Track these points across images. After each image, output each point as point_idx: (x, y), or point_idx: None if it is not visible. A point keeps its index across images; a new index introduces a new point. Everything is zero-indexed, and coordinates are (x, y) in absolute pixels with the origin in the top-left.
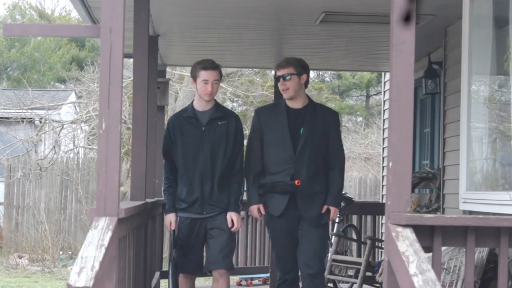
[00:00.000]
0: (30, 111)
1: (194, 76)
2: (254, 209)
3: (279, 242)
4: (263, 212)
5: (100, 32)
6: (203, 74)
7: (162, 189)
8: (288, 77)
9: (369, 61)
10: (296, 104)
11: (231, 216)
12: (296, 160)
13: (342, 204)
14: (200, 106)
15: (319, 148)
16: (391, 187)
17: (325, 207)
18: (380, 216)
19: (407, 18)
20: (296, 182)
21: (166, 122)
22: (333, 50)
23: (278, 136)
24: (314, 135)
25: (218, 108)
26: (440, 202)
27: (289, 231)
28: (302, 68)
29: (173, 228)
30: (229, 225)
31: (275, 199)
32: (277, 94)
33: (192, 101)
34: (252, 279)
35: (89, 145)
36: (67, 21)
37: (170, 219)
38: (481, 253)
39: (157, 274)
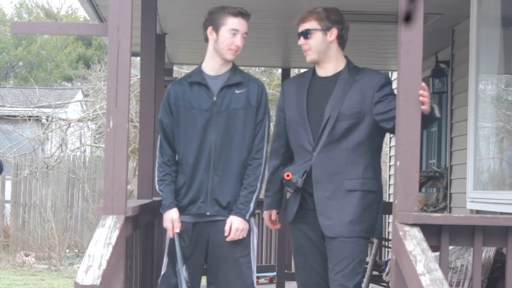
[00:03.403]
0: (37, 109)
1: (215, 24)
2: (265, 215)
3: (296, 258)
4: (273, 218)
5: (108, 30)
6: (233, 22)
7: (156, 179)
8: (308, 34)
9: (377, 60)
10: (326, 71)
11: (232, 221)
12: (315, 147)
13: None
14: (212, 68)
15: (356, 128)
16: (398, 186)
17: None
18: (387, 215)
19: (413, 18)
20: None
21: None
22: None
23: (296, 114)
24: (346, 112)
25: (235, 72)
26: (447, 201)
27: (310, 243)
28: (330, 20)
29: (177, 230)
30: (225, 233)
31: (290, 199)
32: None
33: (201, 64)
34: (258, 277)
35: (96, 143)
36: (73, 20)
37: (172, 217)
38: (488, 252)
39: None
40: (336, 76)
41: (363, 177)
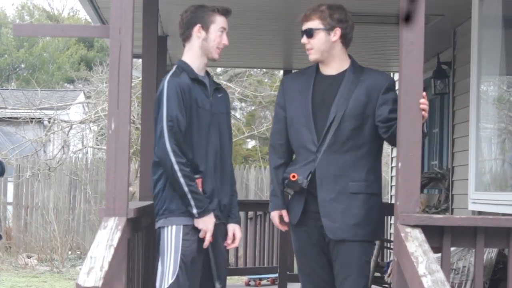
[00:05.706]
0: (39, 111)
1: (204, 22)
2: (274, 216)
3: (298, 261)
4: (286, 219)
5: (110, 32)
6: (221, 21)
7: (183, 180)
8: (311, 33)
9: (378, 61)
10: (330, 69)
11: (234, 229)
12: (320, 148)
13: None
14: (198, 68)
15: (361, 129)
16: (400, 187)
17: None
18: (389, 217)
19: (413, 18)
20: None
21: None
22: None
23: (300, 113)
24: (351, 112)
25: (209, 75)
26: (449, 203)
27: (312, 246)
28: (333, 19)
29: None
30: (229, 241)
31: (293, 201)
32: None
33: (181, 61)
34: (260, 279)
35: (98, 145)
36: (75, 22)
37: (215, 221)
38: (490, 253)
39: None
40: (341, 75)
41: (366, 180)
